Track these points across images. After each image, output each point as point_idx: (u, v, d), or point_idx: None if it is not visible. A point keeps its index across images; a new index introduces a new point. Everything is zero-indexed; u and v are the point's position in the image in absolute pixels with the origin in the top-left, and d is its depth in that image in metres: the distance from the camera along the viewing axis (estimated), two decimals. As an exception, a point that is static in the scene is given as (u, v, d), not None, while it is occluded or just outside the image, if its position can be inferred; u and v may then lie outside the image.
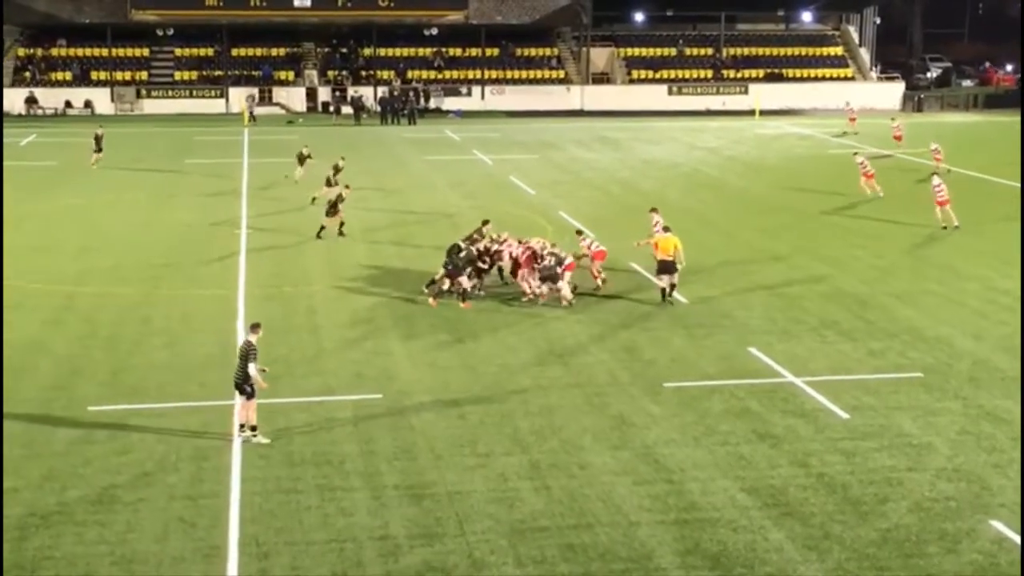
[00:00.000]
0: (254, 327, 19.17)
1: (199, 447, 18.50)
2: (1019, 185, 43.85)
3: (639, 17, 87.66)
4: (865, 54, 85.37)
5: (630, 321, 26.10)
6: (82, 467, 17.68)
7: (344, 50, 79.93)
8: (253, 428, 18.69)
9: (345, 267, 31.08)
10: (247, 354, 18.52)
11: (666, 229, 28.12)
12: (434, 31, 78.72)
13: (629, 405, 20.60)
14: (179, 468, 17.70)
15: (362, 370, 22.45)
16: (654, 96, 78.75)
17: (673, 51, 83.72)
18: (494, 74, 79.03)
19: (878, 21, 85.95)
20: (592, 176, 48.16)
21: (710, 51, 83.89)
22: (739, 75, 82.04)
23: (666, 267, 27.31)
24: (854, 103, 68.21)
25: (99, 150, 48.50)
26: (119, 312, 26.54)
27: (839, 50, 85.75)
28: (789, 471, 17.74)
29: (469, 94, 77.77)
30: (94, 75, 75.77)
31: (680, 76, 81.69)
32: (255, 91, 73.84)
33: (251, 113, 68.00)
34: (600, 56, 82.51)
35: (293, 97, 76.18)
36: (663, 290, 27.55)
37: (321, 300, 27.84)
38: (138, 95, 74.66)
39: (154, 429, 19.23)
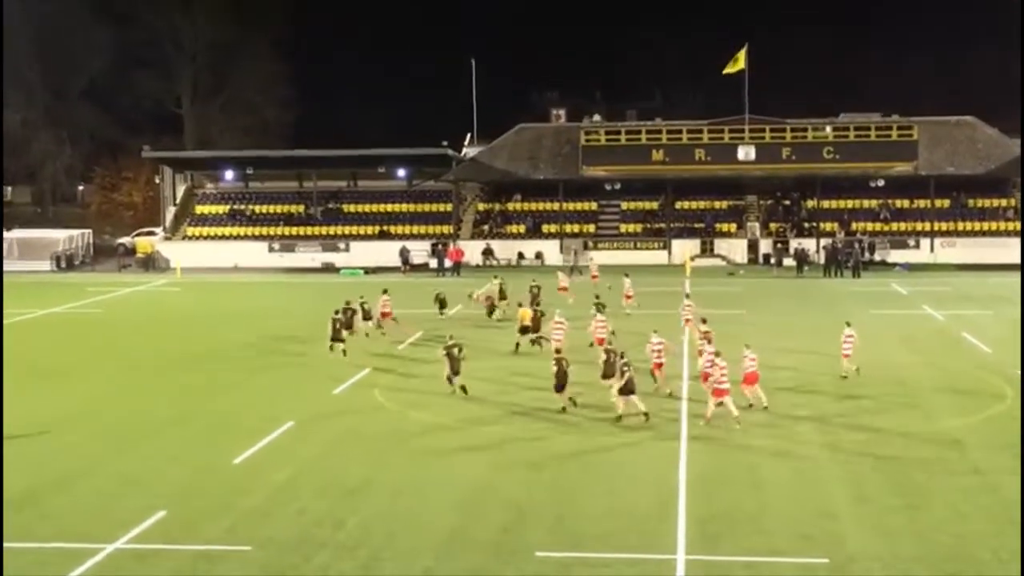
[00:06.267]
0: None
1: (641, 600, 18.37)
2: None
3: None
4: None
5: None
6: (529, 612, 17.98)
7: (787, 202, 79.80)
8: None
9: (794, 421, 30.40)
10: None
11: None
12: (880, 182, 77.26)
13: (1108, 590, 18.62)
14: (621, 620, 17.61)
15: (808, 531, 21.61)
16: (1125, 249, 72.90)
17: None
18: (944, 226, 76.11)
19: None
20: (1055, 334, 44.93)
21: None
22: None
23: None
24: None
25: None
26: (560, 457, 27.14)
27: None
28: None
29: (917, 246, 75.23)
30: (545, 228, 79.63)
31: None
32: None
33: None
34: (1062, 206, 77.69)
35: (734, 248, 76.61)
36: None
37: (764, 454, 27.23)
38: (585, 247, 77.67)
39: (598, 578, 19.31)
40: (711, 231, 78.04)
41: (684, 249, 74.68)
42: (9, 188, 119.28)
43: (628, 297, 49.94)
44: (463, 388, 33.35)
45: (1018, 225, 75.93)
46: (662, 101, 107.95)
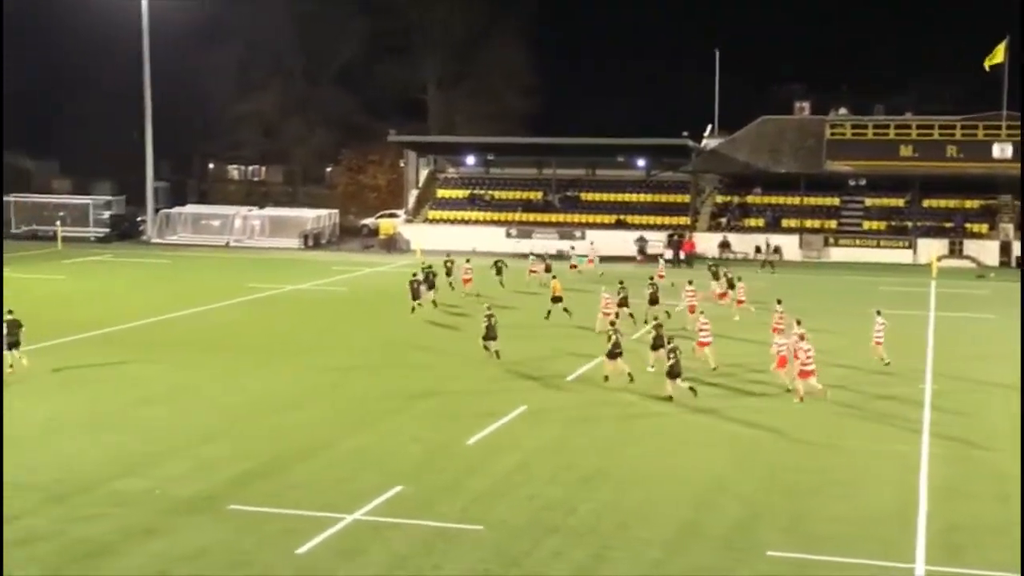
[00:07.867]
0: None
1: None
2: None
3: None
4: None
5: None
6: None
7: (1047, 202, 75.91)
8: None
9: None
10: None
11: None
12: None
13: None
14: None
15: (1051, 549, 20.62)
16: None
17: None
18: None
19: None
20: None
21: None
22: None
23: None
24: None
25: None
26: (798, 457, 26.67)
27: None
28: None
29: None
30: (784, 222, 78.02)
31: None
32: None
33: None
34: None
35: (985, 250, 73.35)
36: None
37: (1010, 464, 26.01)
38: (825, 243, 75.75)
39: (832, 582, 18.90)
40: (960, 231, 74.92)
41: (931, 249, 71.93)
42: (263, 168, 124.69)
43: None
44: (496, 353, 37.12)
45: None
46: (912, 95, 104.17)
